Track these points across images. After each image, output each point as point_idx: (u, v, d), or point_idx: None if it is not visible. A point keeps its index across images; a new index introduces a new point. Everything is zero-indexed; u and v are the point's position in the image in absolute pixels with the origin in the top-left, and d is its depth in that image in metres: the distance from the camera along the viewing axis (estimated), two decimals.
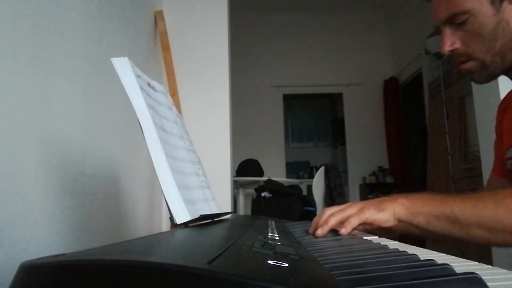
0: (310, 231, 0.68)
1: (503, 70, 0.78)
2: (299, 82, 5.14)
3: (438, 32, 0.83)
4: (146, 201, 1.54)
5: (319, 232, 0.64)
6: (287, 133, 6.18)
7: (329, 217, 0.67)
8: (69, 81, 0.91)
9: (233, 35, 2.26)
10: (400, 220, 0.66)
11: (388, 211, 0.66)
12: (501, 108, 0.94)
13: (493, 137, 0.99)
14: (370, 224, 0.67)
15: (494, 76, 0.79)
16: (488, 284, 0.26)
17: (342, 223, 0.67)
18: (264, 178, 3.08)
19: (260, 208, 2.78)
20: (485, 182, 1.12)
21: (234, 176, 2.67)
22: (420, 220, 0.65)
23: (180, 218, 0.52)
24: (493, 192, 0.65)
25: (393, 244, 0.53)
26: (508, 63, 0.76)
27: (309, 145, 6.72)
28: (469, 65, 0.79)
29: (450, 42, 0.78)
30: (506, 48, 0.74)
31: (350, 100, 5.11)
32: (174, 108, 0.72)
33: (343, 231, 0.64)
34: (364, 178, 4.91)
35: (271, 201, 2.82)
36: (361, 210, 0.67)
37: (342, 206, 0.70)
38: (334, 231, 0.67)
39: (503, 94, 1.78)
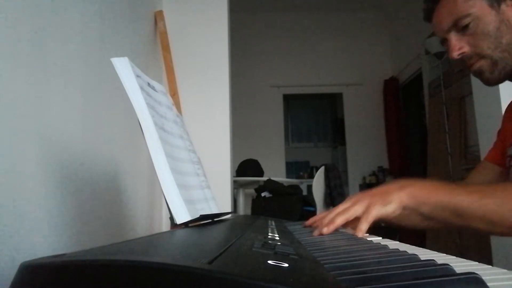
0: (316, 232, 0.65)
1: None
2: (299, 82, 5.14)
3: (441, 41, 0.84)
4: (146, 201, 1.54)
5: (325, 231, 0.64)
6: (287, 133, 6.18)
7: (336, 216, 0.67)
8: (69, 81, 0.91)
9: (233, 35, 2.26)
10: (405, 208, 0.67)
11: (395, 202, 0.66)
12: (509, 108, 0.95)
13: (493, 137, 0.99)
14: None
15: (505, 75, 0.79)
16: (488, 284, 0.26)
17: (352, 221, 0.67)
18: (264, 178, 3.08)
19: (260, 208, 2.78)
20: None
21: (234, 176, 2.67)
22: (425, 209, 0.66)
23: (180, 218, 0.52)
24: (500, 186, 0.66)
25: (393, 244, 0.53)
26: None
27: (309, 145, 6.72)
28: (480, 63, 0.79)
29: (458, 47, 0.80)
30: None
31: (350, 100, 5.11)
32: (174, 108, 0.72)
33: (359, 234, 0.63)
34: (364, 178, 4.91)
35: (271, 201, 2.81)
36: (367, 209, 0.66)
37: (348, 203, 0.70)
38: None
39: (503, 94, 1.79)
